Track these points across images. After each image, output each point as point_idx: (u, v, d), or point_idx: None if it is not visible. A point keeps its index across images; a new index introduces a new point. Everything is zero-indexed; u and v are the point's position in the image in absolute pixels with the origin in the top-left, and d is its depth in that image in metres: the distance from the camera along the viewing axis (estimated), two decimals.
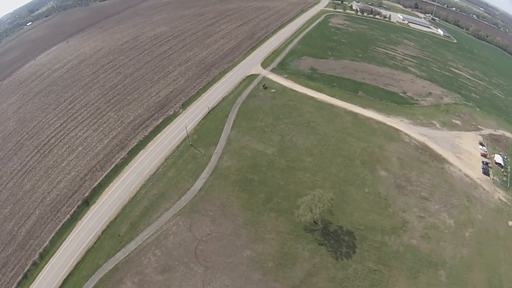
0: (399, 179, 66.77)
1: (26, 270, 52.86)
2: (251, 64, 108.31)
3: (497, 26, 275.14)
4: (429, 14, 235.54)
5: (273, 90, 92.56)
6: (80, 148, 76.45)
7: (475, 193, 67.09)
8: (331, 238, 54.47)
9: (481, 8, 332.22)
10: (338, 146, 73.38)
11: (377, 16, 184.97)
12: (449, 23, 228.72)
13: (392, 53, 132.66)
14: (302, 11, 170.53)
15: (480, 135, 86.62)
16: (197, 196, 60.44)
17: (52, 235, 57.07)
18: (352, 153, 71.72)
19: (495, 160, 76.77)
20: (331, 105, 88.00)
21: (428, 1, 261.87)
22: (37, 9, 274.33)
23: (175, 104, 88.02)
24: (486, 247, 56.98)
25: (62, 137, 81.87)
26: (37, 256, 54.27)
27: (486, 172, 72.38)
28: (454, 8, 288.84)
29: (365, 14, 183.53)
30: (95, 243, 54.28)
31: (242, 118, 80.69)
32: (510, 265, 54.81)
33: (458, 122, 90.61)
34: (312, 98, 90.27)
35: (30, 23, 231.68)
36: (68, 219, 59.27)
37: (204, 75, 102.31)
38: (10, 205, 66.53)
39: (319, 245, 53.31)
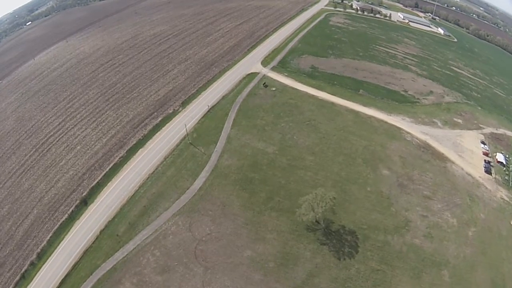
0: (401, 177, 66.13)
1: (23, 270, 52.16)
2: (251, 63, 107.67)
3: (497, 25, 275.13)
4: (429, 14, 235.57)
5: (273, 89, 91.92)
6: (78, 147, 75.68)
7: (478, 192, 66.57)
8: (333, 237, 53.74)
9: (481, 8, 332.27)
10: (339, 145, 72.69)
11: (377, 15, 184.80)
12: (449, 22, 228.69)
13: (393, 51, 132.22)
14: (302, 10, 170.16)
15: (482, 133, 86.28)
16: (196, 195, 59.64)
17: (50, 235, 56.28)
18: (353, 152, 71.05)
19: (497, 159, 76.39)
20: (332, 104, 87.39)
21: (428, 1, 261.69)
22: (37, 9, 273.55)
23: (174, 103, 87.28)
24: (489, 246, 56.39)
25: (60, 136, 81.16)
26: (34, 256, 53.56)
27: (488, 171, 71.90)
28: (454, 8, 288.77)
29: (365, 13, 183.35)
30: (93, 243, 53.45)
31: (242, 117, 79.98)
32: None
33: (459, 120, 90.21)
34: (313, 96, 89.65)
35: (30, 22, 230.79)
36: (66, 219, 58.50)
37: (204, 73, 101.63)
38: (8, 205, 65.83)
39: (321, 245, 52.57)
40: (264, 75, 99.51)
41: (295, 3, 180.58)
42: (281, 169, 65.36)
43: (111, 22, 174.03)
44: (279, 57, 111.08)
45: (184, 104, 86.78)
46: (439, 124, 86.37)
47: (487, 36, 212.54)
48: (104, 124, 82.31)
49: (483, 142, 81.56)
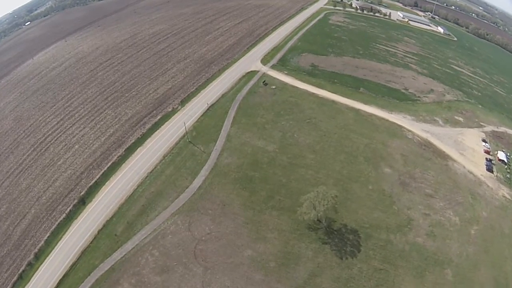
0: (403, 176, 65.55)
1: (21, 270, 51.41)
2: (251, 61, 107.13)
3: (496, 25, 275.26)
4: (429, 13, 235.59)
5: (273, 87, 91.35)
6: (76, 146, 74.98)
7: (479, 190, 66.12)
8: (335, 236, 53.04)
9: (480, 7, 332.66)
10: (340, 143, 72.07)
11: (377, 14, 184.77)
12: (449, 21, 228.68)
13: (393, 50, 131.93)
14: (302, 9, 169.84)
15: (483, 132, 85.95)
16: (196, 194, 58.88)
17: (48, 234, 55.57)
18: (355, 150, 70.46)
19: (498, 157, 76.03)
20: (333, 102, 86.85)
21: (427, 0, 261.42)
22: (36, 9, 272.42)
23: (173, 101, 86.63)
24: (492, 244, 55.89)
25: (58, 135, 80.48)
26: (32, 256, 52.84)
27: (490, 169, 71.52)
28: (453, 7, 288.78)
29: (365, 12, 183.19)
30: (91, 243, 52.66)
31: (242, 115, 79.31)
32: None
33: (460, 119, 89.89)
34: (313, 94, 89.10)
35: (29, 22, 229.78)
36: (63, 218, 57.74)
37: (203, 72, 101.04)
38: (6, 204, 65.18)
39: (323, 244, 51.85)
40: (264, 73, 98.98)
41: (295, 2, 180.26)
42: (282, 167, 64.68)
43: (110, 22, 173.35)
44: (279, 55, 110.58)
45: (183, 102, 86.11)
46: (440, 122, 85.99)
47: (487, 35, 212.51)
48: (102, 123, 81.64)
49: (484, 140, 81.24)
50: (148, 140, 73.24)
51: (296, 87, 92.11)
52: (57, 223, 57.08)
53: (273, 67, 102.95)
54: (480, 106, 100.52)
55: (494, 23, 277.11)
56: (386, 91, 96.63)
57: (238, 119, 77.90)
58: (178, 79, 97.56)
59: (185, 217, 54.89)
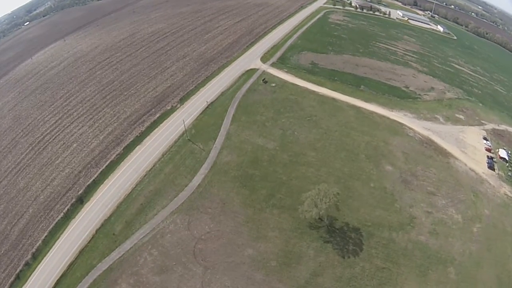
0: (404, 173, 64.98)
1: (18, 270, 50.74)
2: (251, 59, 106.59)
3: (496, 24, 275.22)
4: (428, 11, 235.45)
5: (273, 84, 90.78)
6: (75, 145, 74.24)
7: (481, 188, 65.69)
8: (337, 235, 52.38)
9: (480, 7, 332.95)
10: (341, 140, 71.50)
11: (377, 13, 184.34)
12: (449, 20, 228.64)
13: (393, 48, 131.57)
14: (301, 7, 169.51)
15: (484, 130, 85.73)
16: (195, 192, 58.15)
17: (45, 234, 54.88)
18: (356, 147, 69.89)
19: (499, 155, 75.77)
20: (333, 99, 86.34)
21: None
22: (35, 9, 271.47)
23: (172, 99, 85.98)
24: (495, 243, 55.36)
25: (57, 134, 79.75)
26: (29, 256, 52.17)
27: (491, 167, 71.21)
28: (453, 6, 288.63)
29: (364, 11, 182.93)
30: (89, 243, 51.92)
31: (242, 113, 78.65)
32: None
33: (461, 116, 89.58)
34: (313, 92, 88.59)
35: (28, 23, 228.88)
36: (61, 218, 57.06)
37: (202, 70, 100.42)
38: (4, 204, 64.43)
39: (325, 243, 51.17)
40: (264, 71, 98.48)
41: (294, 0, 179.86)
42: (282, 165, 64.01)
43: (109, 21, 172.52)
44: (278, 54, 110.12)
45: (183, 100, 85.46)
46: (441, 120, 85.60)
47: (486, 34, 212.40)
48: (101, 121, 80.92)
49: (485, 138, 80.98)
50: (146, 139, 72.55)
51: (296, 85, 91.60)
52: (54, 222, 56.41)
53: (272, 65, 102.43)
54: (481, 104, 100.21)
55: (493, 22, 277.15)
56: (387, 89, 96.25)
57: (237, 117, 77.23)
58: (177, 78, 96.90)
59: (184, 216, 54.15)
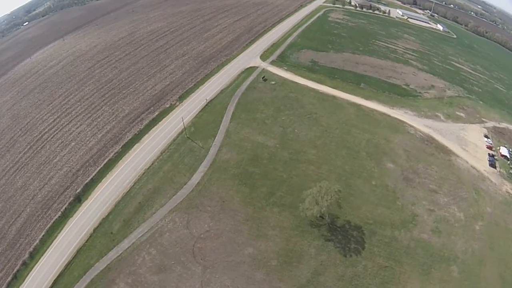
0: (406, 171, 64.41)
1: (15, 270, 50.13)
2: (250, 57, 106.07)
3: (495, 23, 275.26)
4: (428, 10, 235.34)
5: (273, 82, 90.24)
6: (73, 143, 73.57)
7: (483, 185, 65.16)
8: (338, 233, 51.71)
9: (479, 6, 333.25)
10: (342, 138, 70.90)
11: (376, 12, 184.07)
12: (448, 19, 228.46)
13: (393, 47, 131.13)
14: (301, 6, 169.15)
15: (485, 127, 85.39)
16: (194, 190, 57.43)
17: (43, 233, 54.22)
18: (357, 145, 69.31)
19: (501, 153, 75.39)
20: (334, 97, 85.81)
21: None
22: (34, 10, 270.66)
23: (171, 97, 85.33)
24: (497, 241, 54.79)
25: (55, 133, 79.09)
26: (27, 255, 51.52)
27: (492, 165, 70.79)
28: (452, 5, 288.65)
29: (364, 10, 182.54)
30: (86, 242, 51.21)
31: (241, 110, 78.02)
32: None
33: (462, 114, 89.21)
34: (313, 89, 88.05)
35: (27, 23, 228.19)
36: (59, 217, 56.35)
37: (201, 68, 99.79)
38: (1, 203, 63.80)
39: (326, 241, 50.50)
40: (263, 69, 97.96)
41: None
42: (283, 163, 63.37)
43: (108, 20, 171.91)
44: (278, 52, 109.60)
45: (182, 98, 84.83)
46: (442, 117, 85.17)
47: (486, 33, 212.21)
48: (99, 119, 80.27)
49: (486, 136, 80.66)
50: (145, 137, 71.85)
51: (296, 82, 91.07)
52: (52, 221, 55.73)
53: (272, 63, 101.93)
54: (481, 102, 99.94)
55: (493, 22, 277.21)
56: (387, 86, 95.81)
57: (237, 114, 76.60)
58: (176, 76, 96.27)
59: (183, 214, 53.44)
